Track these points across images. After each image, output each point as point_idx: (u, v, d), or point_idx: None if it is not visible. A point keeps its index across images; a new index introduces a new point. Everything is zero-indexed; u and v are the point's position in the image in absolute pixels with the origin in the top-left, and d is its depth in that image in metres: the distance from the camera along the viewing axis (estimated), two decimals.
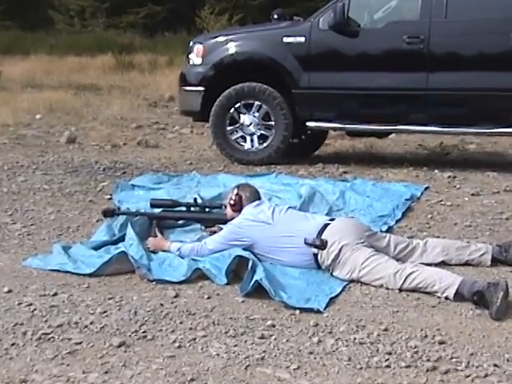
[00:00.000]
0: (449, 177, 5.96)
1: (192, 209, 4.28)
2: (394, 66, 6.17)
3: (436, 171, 6.16)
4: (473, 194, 5.39)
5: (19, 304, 3.31)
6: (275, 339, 2.97)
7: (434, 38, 6.05)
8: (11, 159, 6.62)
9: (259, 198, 4.11)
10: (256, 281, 3.43)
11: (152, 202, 4.34)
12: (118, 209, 4.36)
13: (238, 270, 3.64)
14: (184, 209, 4.29)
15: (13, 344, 2.91)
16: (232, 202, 4.03)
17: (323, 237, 3.69)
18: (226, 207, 4.13)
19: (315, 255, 3.71)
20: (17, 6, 22.17)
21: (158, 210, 4.29)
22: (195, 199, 4.32)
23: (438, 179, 5.92)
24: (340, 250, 3.64)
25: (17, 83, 11.95)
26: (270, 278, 3.50)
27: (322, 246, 3.67)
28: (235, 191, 4.07)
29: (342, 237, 3.67)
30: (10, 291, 3.47)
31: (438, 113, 6.12)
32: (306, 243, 3.70)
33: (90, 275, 3.67)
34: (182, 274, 3.64)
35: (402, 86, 6.14)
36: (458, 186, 5.67)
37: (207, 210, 4.30)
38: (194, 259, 3.78)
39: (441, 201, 5.18)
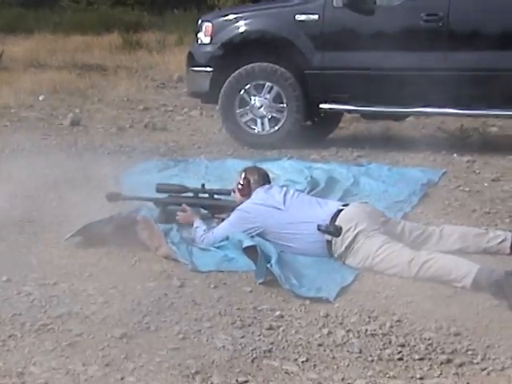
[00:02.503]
0: (468, 161, 5.84)
1: (200, 195, 4.18)
2: (412, 44, 6.03)
3: (455, 155, 6.03)
4: (493, 180, 5.27)
5: (18, 293, 3.24)
6: (283, 330, 2.90)
7: (453, 15, 5.90)
8: (12, 142, 6.50)
9: (269, 182, 4.02)
10: (267, 267, 3.34)
11: (158, 187, 4.25)
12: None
13: (251, 256, 3.55)
14: (191, 194, 4.19)
15: (10, 335, 2.84)
16: (240, 186, 3.94)
17: (337, 223, 3.60)
18: (234, 192, 4.03)
19: (328, 242, 3.62)
20: None
21: (163, 195, 4.21)
22: (203, 185, 4.22)
23: (456, 164, 5.80)
24: (355, 237, 3.56)
25: (19, 63, 11.82)
26: (281, 264, 3.42)
27: (337, 232, 3.58)
28: (243, 175, 3.98)
29: (357, 223, 3.58)
30: (8, 280, 3.39)
31: (458, 94, 5.96)
32: (319, 229, 3.62)
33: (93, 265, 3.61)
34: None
35: (420, 65, 6.00)
36: (477, 171, 5.55)
37: (215, 196, 4.19)
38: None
39: (459, 186, 5.07)
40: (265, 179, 4.02)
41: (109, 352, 2.70)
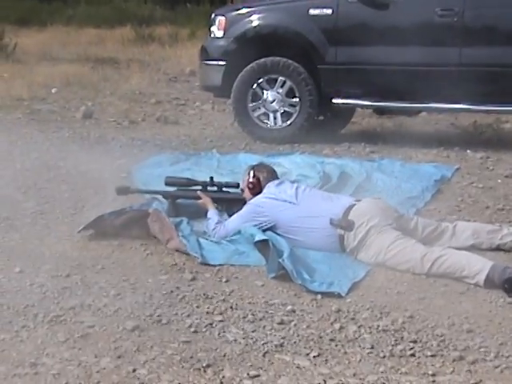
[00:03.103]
0: (481, 157, 5.80)
1: (208, 188, 4.17)
2: (426, 40, 5.98)
3: (468, 151, 5.99)
4: (506, 176, 5.23)
5: (31, 285, 3.24)
6: (295, 325, 2.89)
7: (468, 10, 5.86)
8: (25, 135, 6.51)
9: (277, 177, 4.01)
10: (279, 262, 3.33)
11: (167, 181, 4.25)
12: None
13: (263, 251, 3.54)
14: (200, 188, 4.19)
15: (23, 326, 2.84)
16: (251, 185, 3.93)
17: (350, 217, 3.59)
18: (243, 191, 4.02)
19: (341, 237, 3.60)
20: None
21: (172, 189, 4.21)
22: (211, 178, 4.21)
23: (469, 160, 5.77)
24: (367, 232, 3.54)
25: (32, 56, 11.83)
26: (293, 259, 3.40)
27: (349, 227, 3.57)
28: (251, 173, 3.96)
29: (370, 218, 3.57)
30: (21, 271, 3.40)
31: (472, 90, 5.92)
32: (331, 224, 3.60)
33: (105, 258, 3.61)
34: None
35: (434, 61, 5.96)
36: (490, 168, 5.51)
37: (224, 189, 4.18)
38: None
39: (472, 183, 5.04)
40: (273, 175, 4.01)
41: (121, 344, 2.70)
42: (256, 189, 3.92)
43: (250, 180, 3.95)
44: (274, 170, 4.07)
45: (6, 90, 8.59)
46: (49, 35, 14.70)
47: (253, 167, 4.05)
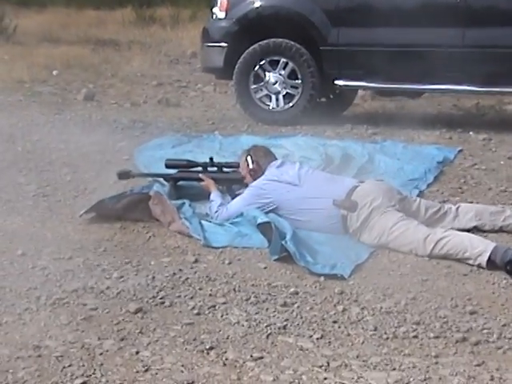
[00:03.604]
0: (484, 139, 5.78)
1: (209, 169, 4.16)
2: (428, 21, 5.93)
3: (471, 133, 5.97)
4: (509, 158, 5.21)
5: (33, 267, 3.25)
6: (298, 307, 2.89)
7: None
8: (26, 117, 6.50)
9: (275, 157, 4.00)
10: (282, 244, 3.33)
11: (167, 163, 4.24)
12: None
13: (265, 233, 3.53)
14: (200, 169, 4.17)
15: (26, 309, 2.84)
16: (252, 172, 3.91)
17: (353, 198, 3.57)
18: (244, 178, 3.99)
19: (344, 218, 3.60)
20: None
21: (173, 171, 4.20)
22: (211, 158, 4.20)
23: (472, 141, 5.75)
24: (370, 213, 3.54)
25: (33, 37, 11.76)
26: (296, 241, 3.39)
27: (352, 207, 3.56)
28: (249, 159, 3.93)
29: (373, 199, 3.56)
30: (23, 254, 3.40)
31: (475, 71, 5.89)
32: (335, 205, 3.60)
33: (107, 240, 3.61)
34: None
35: (437, 42, 5.91)
36: (493, 149, 5.49)
37: (224, 169, 4.17)
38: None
39: (475, 164, 5.02)
40: (271, 156, 4.00)
41: (124, 326, 2.70)
42: (258, 173, 3.91)
43: (251, 167, 3.93)
44: (270, 150, 4.06)
45: (7, 72, 8.57)
46: (48, 16, 14.60)
47: (248, 152, 4.02)
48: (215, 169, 4.17)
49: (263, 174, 3.89)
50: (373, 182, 3.86)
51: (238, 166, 4.11)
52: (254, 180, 3.91)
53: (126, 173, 4.27)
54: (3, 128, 5.99)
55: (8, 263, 3.30)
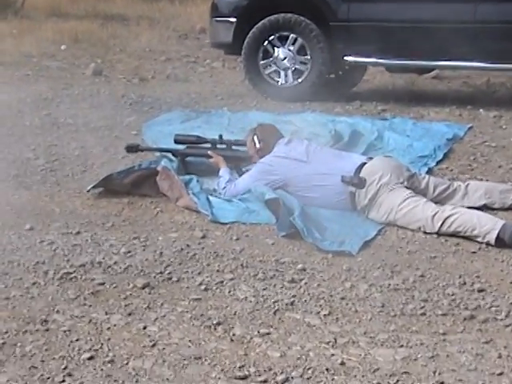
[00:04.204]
0: (494, 116, 5.72)
1: (218, 146, 4.14)
2: None
3: (481, 110, 5.91)
4: None
5: (41, 242, 3.25)
6: (306, 283, 2.89)
7: None
8: (34, 92, 6.48)
9: (281, 134, 3.97)
10: (290, 220, 3.31)
11: (176, 138, 4.22)
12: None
13: (273, 209, 3.52)
14: (209, 145, 4.16)
15: (34, 283, 2.86)
16: (259, 152, 3.88)
17: (361, 175, 3.56)
18: (252, 157, 3.97)
19: (352, 194, 3.58)
20: None
21: (182, 146, 4.19)
22: (220, 136, 4.18)
23: (482, 119, 5.69)
24: (378, 190, 3.52)
25: (41, 12, 11.72)
26: (304, 217, 3.38)
27: (361, 184, 3.55)
28: (255, 138, 3.91)
29: (381, 176, 3.54)
30: (31, 229, 3.41)
31: (486, 47, 5.81)
32: (343, 181, 3.58)
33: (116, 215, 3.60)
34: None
35: (448, 18, 5.82)
36: (503, 127, 5.43)
37: (233, 147, 4.15)
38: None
39: (485, 142, 4.97)
40: (278, 134, 3.97)
41: (131, 301, 2.71)
42: (265, 153, 3.88)
43: (257, 147, 3.91)
44: (276, 128, 4.03)
45: (15, 47, 8.55)
46: None
47: (254, 132, 3.99)
48: (224, 146, 4.15)
49: (270, 152, 3.86)
50: (381, 158, 3.84)
51: (246, 143, 4.09)
52: (261, 157, 3.89)
53: (134, 146, 4.28)
54: (11, 103, 5.98)
55: (16, 237, 3.31)
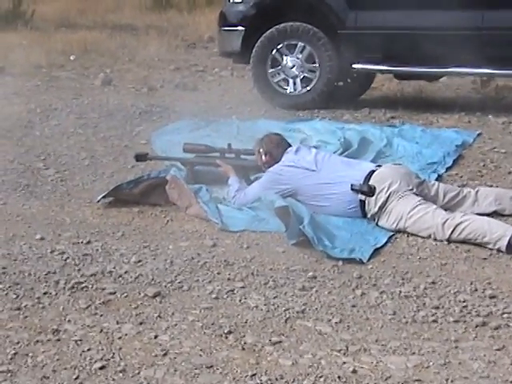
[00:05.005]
0: (503, 122, 5.70)
1: (226, 155, 4.15)
2: (447, 3, 5.85)
3: (490, 116, 5.90)
4: None
5: (52, 252, 3.26)
6: (316, 291, 2.88)
7: None
8: (44, 102, 6.52)
9: (288, 144, 3.96)
10: (300, 228, 3.31)
11: (185, 147, 4.23)
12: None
13: (283, 217, 3.51)
14: (218, 155, 4.16)
15: (45, 293, 2.87)
16: (267, 165, 3.89)
17: (371, 183, 3.55)
18: (262, 167, 3.97)
19: (362, 202, 3.58)
20: None
21: (191, 156, 4.20)
22: (229, 145, 4.18)
23: (491, 125, 5.67)
24: (388, 197, 3.52)
25: (50, 23, 11.78)
26: (314, 225, 3.38)
27: (370, 192, 3.55)
28: (261, 151, 3.92)
29: (391, 183, 3.54)
30: (42, 238, 3.42)
31: (494, 54, 5.80)
32: (352, 189, 3.58)
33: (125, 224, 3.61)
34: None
35: (456, 25, 5.82)
36: None
37: (242, 156, 4.15)
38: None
39: (494, 148, 4.96)
40: (285, 144, 3.96)
41: (142, 310, 2.71)
42: (271, 164, 3.88)
43: (264, 160, 3.91)
44: (284, 138, 4.02)
45: (25, 57, 8.58)
46: (66, 2, 14.58)
47: (261, 144, 3.98)
48: (233, 155, 4.16)
49: (279, 161, 3.86)
50: (391, 166, 3.83)
51: (255, 153, 4.09)
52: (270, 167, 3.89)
53: (143, 155, 4.29)
54: (21, 113, 6.01)
55: (27, 247, 3.32)
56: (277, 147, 3.93)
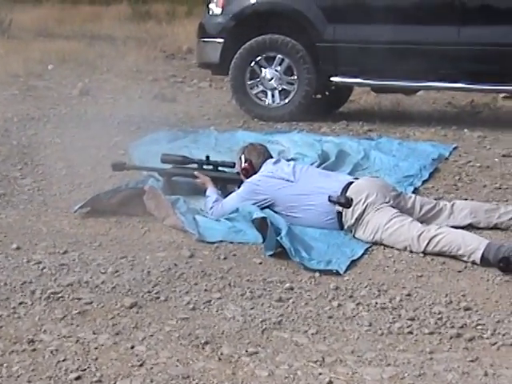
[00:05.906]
0: (479, 137, 5.78)
1: (204, 167, 4.15)
2: (424, 18, 5.94)
3: (465, 130, 5.97)
4: (503, 155, 5.20)
5: (28, 261, 3.24)
6: (293, 302, 2.89)
7: None
8: (21, 111, 6.48)
9: (270, 155, 3.99)
10: (277, 240, 3.32)
11: (163, 158, 4.22)
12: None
13: (260, 228, 3.52)
14: (196, 166, 4.17)
15: (21, 303, 2.84)
16: (244, 171, 3.91)
17: (348, 194, 3.58)
18: (239, 174, 3.99)
19: (339, 214, 3.60)
20: None
21: (168, 166, 4.19)
22: (207, 156, 4.19)
23: (467, 139, 5.74)
24: (364, 209, 3.54)
25: (28, 32, 11.76)
26: (291, 237, 3.39)
27: (348, 203, 3.57)
28: (242, 157, 3.94)
29: (368, 195, 3.56)
30: (18, 248, 3.40)
31: (470, 69, 5.91)
32: (330, 201, 3.60)
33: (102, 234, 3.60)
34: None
35: (432, 39, 5.92)
36: (488, 147, 5.48)
37: (219, 168, 4.16)
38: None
39: (470, 162, 5.02)
40: (266, 155, 3.98)
41: (119, 321, 2.70)
42: (250, 172, 3.90)
43: (243, 166, 3.93)
44: (266, 149, 4.04)
45: (2, 66, 8.54)
46: (44, 11, 14.58)
47: (243, 151, 4.01)
48: (210, 167, 4.16)
49: (256, 172, 3.88)
50: (368, 178, 3.87)
51: (233, 165, 4.11)
52: (248, 178, 3.90)
53: (120, 165, 4.27)
54: None
55: (3, 257, 3.29)
56: (258, 156, 3.94)
